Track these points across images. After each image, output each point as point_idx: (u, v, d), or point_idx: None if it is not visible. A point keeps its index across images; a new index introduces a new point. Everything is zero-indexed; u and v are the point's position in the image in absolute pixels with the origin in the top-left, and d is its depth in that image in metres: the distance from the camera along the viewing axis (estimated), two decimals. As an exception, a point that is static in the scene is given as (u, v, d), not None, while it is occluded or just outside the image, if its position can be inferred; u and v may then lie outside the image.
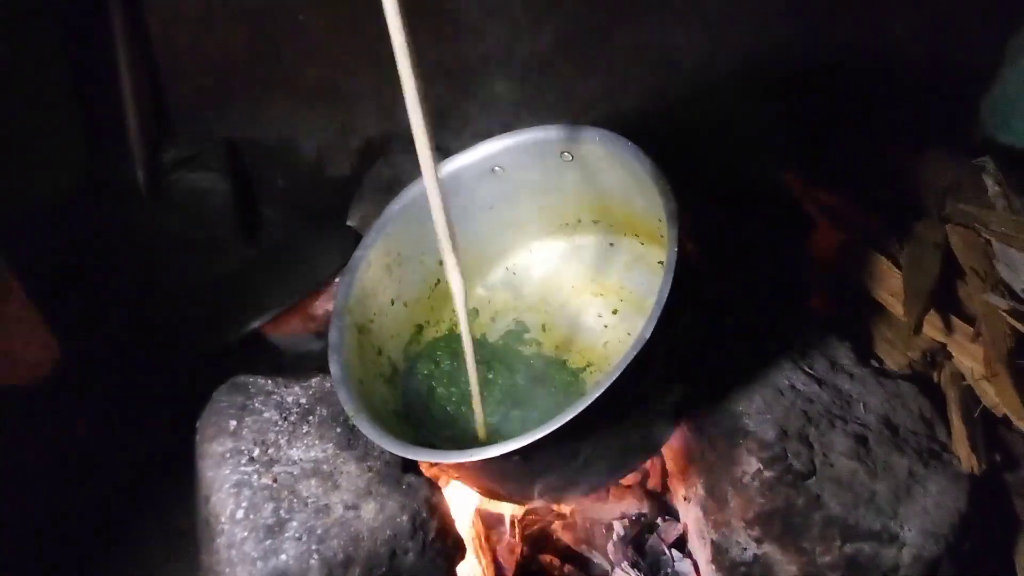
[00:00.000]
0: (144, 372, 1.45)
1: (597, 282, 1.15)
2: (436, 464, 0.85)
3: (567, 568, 1.08)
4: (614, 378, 0.78)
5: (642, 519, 1.14)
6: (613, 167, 1.01)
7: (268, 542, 0.77)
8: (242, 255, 1.66)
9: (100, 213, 1.65)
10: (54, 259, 1.49)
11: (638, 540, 1.10)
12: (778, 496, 0.92)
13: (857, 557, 0.88)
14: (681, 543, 1.11)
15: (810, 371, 1.02)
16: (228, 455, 0.86)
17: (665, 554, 1.09)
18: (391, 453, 0.89)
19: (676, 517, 1.14)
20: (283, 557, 0.76)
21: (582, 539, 1.11)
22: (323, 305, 1.46)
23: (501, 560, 1.08)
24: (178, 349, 1.45)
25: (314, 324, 1.47)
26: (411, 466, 0.89)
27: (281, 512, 0.80)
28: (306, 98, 1.80)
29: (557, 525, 1.12)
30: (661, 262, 1.09)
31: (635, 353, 0.79)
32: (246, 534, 0.78)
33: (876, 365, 1.07)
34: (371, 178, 1.69)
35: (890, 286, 1.12)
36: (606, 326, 1.11)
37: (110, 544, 1.13)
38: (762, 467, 0.92)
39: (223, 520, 0.80)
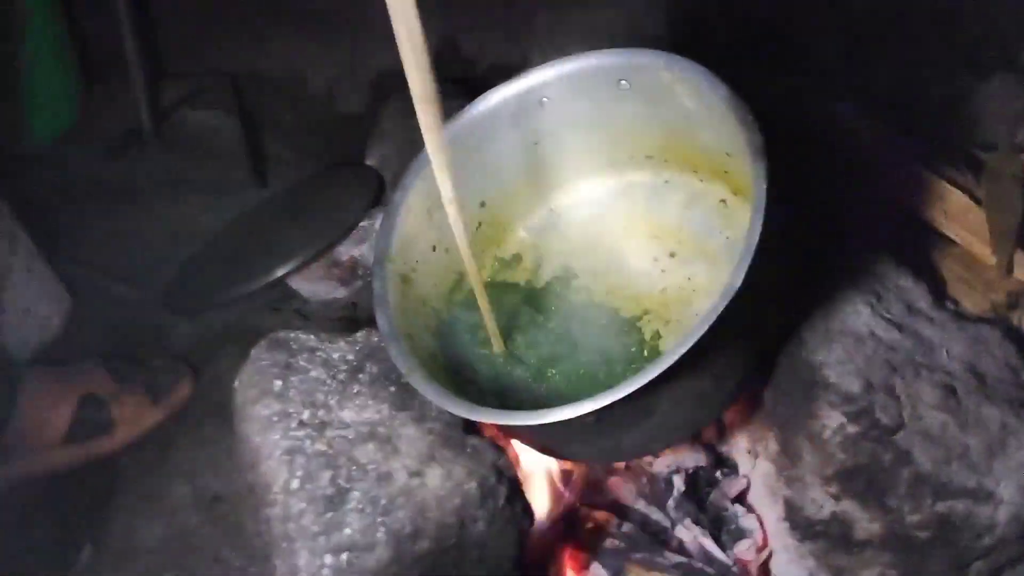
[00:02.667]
0: (158, 322, 1.39)
1: (651, 223, 1.07)
2: (500, 426, 0.78)
3: (625, 526, 1.02)
4: (703, 331, 0.72)
5: (700, 472, 1.09)
6: (677, 96, 0.93)
7: (329, 515, 0.71)
8: (254, 197, 1.57)
9: (100, 156, 1.56)
10: (58, 207, 1.41)
11: (699, 495, 1.05)
12: (862, 452, 0.86)
13: (950, 516, 0.83)
14: (741, 497, 1.06)
15: (889, 316, 0.95)
16: (276, 418, 0.79)
17: (728, 509, 1.04)
18: (451, 414, 0.82)
19: (734, 470, 1.09)
20: (347, 531, 0.70)
21: (639, 494, 1.06)
22: (348, 251, 1.39)
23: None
24: (195, 298, 1.38)
25: (339, 271, 1.40)
26: (473, 427, 0.83)
27: (340, 481, 0.73)
28: (312, 28, 1.70)
29: (612, 480, 1.06)
30: (724, 200, 1.02)
31: (725, 303, 0.72)
32: (304, 506, 0.72)
33: (953, 308, 1.01)
34: (388, 114, 1.59)
35: (967, 222, 1.05)
36: (663, 271, 1.04)
37: (142, 509, 1.07)
38: (846, 421, 0.86)
39: (275, 490, 0.74)
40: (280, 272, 1.29)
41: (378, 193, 1.41)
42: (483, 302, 0.84)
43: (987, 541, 0.84)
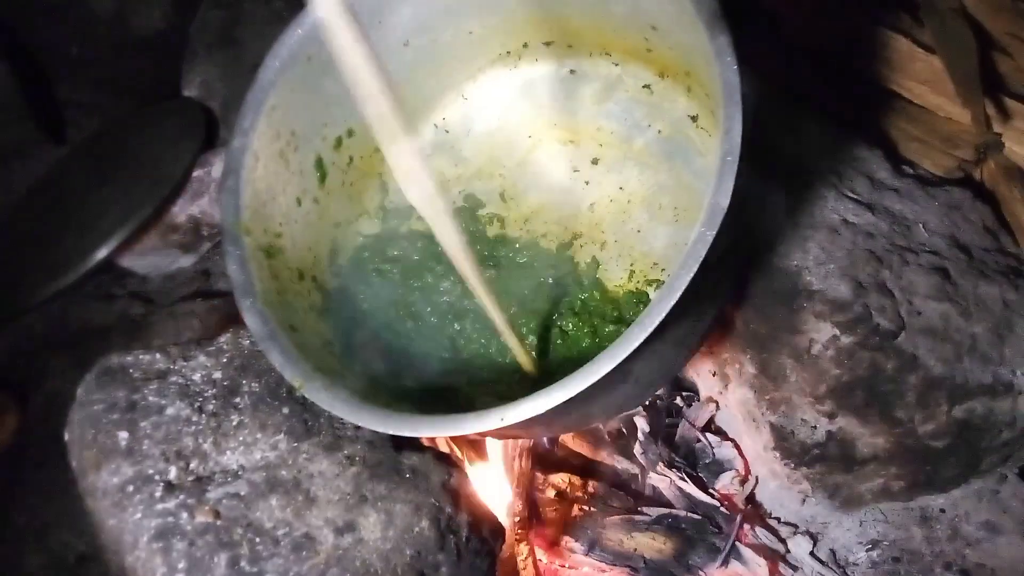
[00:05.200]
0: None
1: (562, 126, 0.89)
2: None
3: (591, 485, 0.88)
4: (691, 274, 0.54)
5: (658, 402, 0.95)
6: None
7: (237, 620, 0.51)
8: (48, 158, 1.25)
9: None
10: None
11: (666, 431, 0.91)
12: (860, 364, 0.73)
13: (970, 420, 0.72)
14: (708, 425, 0.93)
15: (855, 196, 0.82)
16: (131, 488, 0.56)
17: (700, 440, 0.91)
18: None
19: (694, 392, 0.95)
20: (267, 638, 0.50)
21: (601, 445, 0.91)
22: (183, 210, 1.13)
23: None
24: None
25: (178, 236, 1.14)
26: (406, 441, 0.63)
27: (243, 564, 0.53)
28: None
29: (567, 435, 0.91)
30: (647, 86, 0.84)
31: (714, 231, 0.55)
32: (198, 613, 0.51)
33: (911, 172, 0.88)
34: (199, 28, 1.31)
35: (915, 72, 0.91)
36: (587, 183, 0.86)
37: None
38: (839, 332, 0.73)
39: (152, 592, 0.53)
40: (102, 254, 1.02)
41: (208, 131, 1.14)
42: (494, 311, 0.61)
43: (1006, 436, 0.74)
